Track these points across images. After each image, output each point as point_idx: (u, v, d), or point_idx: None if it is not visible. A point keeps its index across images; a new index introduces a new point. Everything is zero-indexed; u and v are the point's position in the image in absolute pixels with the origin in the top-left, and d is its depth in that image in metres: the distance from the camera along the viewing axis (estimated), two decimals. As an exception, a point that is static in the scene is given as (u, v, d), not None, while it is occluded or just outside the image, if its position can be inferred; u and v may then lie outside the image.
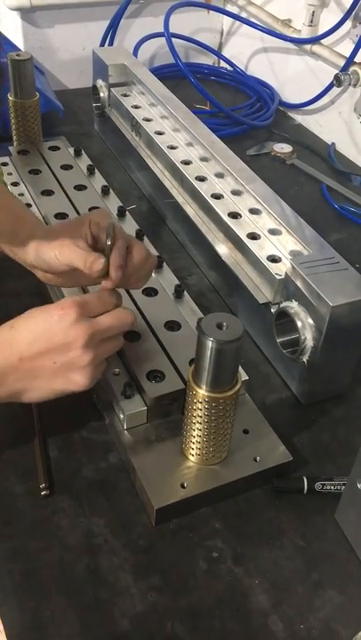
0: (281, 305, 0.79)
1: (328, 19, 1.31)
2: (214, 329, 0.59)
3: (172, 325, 0.80)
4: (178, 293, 0.85)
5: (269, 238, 0.87)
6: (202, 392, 0.62)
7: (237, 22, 1.60)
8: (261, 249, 0.85)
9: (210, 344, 0.59)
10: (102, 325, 0.64)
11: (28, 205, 1.00)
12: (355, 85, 1.25)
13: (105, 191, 1.05)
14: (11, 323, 0.64)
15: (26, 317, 0.64)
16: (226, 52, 1.68)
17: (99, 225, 0.71)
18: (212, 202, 0.94)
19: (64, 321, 0.62)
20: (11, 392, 0.64)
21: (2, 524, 0.65)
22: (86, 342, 0.62)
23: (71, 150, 1.14)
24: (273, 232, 0.88)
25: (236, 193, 0.95)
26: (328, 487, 0.70)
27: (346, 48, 1.29)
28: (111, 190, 1.05)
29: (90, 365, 0.63)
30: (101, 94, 1.24)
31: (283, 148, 1.33)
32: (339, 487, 0.70)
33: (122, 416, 0.71)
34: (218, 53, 1.65)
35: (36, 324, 0.63)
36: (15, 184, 1.05)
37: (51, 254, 0.71)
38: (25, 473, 0.69)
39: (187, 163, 1.03)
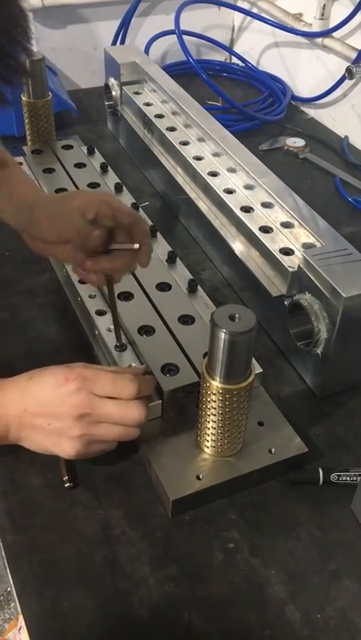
0: (294, 297, 0.79)
1: (339, 11, 1.31)
2: (227, 320, 0.59)
3: (186, 319, 0.80)
4: (191, 288, 0.86)
5: (282, 231, 0.87)
6: (216, 384, 0.63)
7: (248, 18, 1.60)
8: (274, 242, 0.86)
9: (223, 335, 0.59)
10: (101, 410, 0.64)
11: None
12: (367, 78, 1.25)
13: (118, 188, 1.05)
14: (30, 373, 0.66)
15: (42, 374, 0.66)
16: (237, 48, 1.68)
17: (112, 208, 0.69)
18: (224, 196, 0.95)
19: (65, 390, 0.63)
20: (16, 437, 0.67)
21: (20, 517, 0.66)
22: (78, 416, 0.63)
23: (84, 149, 1.15)
24: (285, 225, 0.88)
25: (248, 187, 0.96)
26: (344, 478, 0.70)
27: (357, 40, 1.28)
28: (124, 187, 1.06)
29: (78, 439, 0.64)
30: (113, 93, 1.25)
31: (295, 143, 1.32)
32: (355, 478, 0.70)
33: (137, 409, 0.72)
34: (229, 49, 1.65)
35: (44, 384, 0.65)
36: (29, 183, 1.06)
37: (45, 223, 0.73)
38: (42, 466, 0.70)
39: (199, 158, 1.03)
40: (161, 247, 0.93)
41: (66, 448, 0.65)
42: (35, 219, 0.76)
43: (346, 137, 1.37)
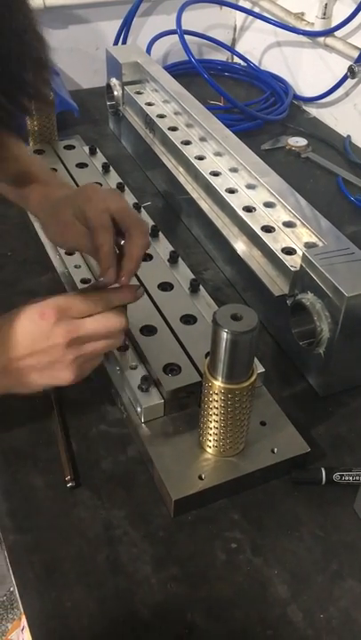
0: (297, 297, 0.79)
1: (341, 11, 1.30)
2: (229, 320, 0.59)
3: (188, 319, 0.80)
4: (193, 288, 0.86)
5: (284, 231, 0.87)
6: (218, 383, 0.63)
7: (250, 17, 1.59)
8: (276, 241, 0.85)
9: (225, 335, 0.59)
10: (86, 329, 0.64)
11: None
12: (369, 77, 1.25)
13: (120, 188, 1.05)
14: (1, 321, 0.65)
15: (12, 319, 0.64)
16: (239, 48, 1.67)
17: (85, 215, 0.68)
18: (226, 196, 0.94)
19: (44, 325, 0.62)
20: (4, 389, 0.66)
21: (22, 517, 0.66)
22: (67, 343, 0.63)
23: (86, 149, 1.15)
24: (288, 224, 0.88)
25: (250, 187, 0.95)
26: (346, 478, 0.70)
27: (360, 39, 1.28)
28: (126, 187, 1.06)
29: (73, 364, 0.64)
30: (115, 93, 1.25)
31: (298, 142, 1.32)
32: (357, 478, 0.69)
33: (139, 409, 0.72)
34: (231, 49, 1.65)
35: (20, 327, 0.63)
36: (31, 183, 1.06)
37: (57, 240, 0.76)
38: (45, 466, 0.70)
39: (201, 158, 1.03)
40: (163, 247, 0.93)
41: (63, 376, 0.64)
42: (48, 232, 0.78)
43: (348, 136, 1.36)
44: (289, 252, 0.84)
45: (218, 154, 1.03)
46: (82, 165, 1.09)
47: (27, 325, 0.63)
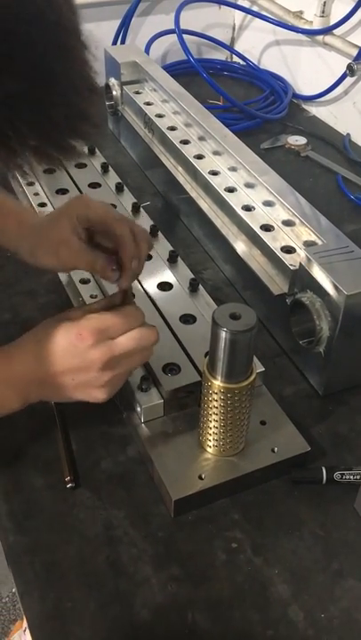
0: (296, 296, 0.78)
1: (339, 9, 1.30)
2: (228, 319, 0.59)
3: (188, 319, 0.80)
4: (193, 287, 0.86)
5: (283, 229, 0.87)
6: (217, 383, 0.63)
7: (249, 16, 1.59)
8: (275, 240, 0.85)
9: (223, 334, 0.59)
10: (121, 348, 0.64)
11: (43, 205, 1.01)
12: (368, 75, 1.24)
13: (119, 188, 1.05)
14: (36, 336, 0.65)
15: (48, 332, 0.64)
16: (238, 47, 1.67)
17: (88, 219, 0.70)
18: (225, 195, 0.94)
19: (81, 346, 0.63)
20: (39, 398, 0.67)
21: (22, 517, 0.66)
22: (103, 366, 0.63)
23: (85, 149, 1.15)
24: (287, 223, 0.87)
25: (249, 186, 0.95)
26: (347, 477, 0.69)
27: (358, 37, 1.28)
28: (125, 187, 1.06)
29: (107, 385, 0.64)
30: (114, 92, 1.25)
31: (297, 141, 1.32)
32: (358, 477, 0.69)
33: (139, 409, 0.71)
34: (230, 48, 1.65)
35: (57, 344, 0.64)
36: (30, 184, 1.06)
37: (49, 262, 0.73)
38: (45, 467, 0.70)
39: (200, 157, 1.03)
40: (162, 246, 0.93)
41: (97, 395, 0.65)
42: (39, 258, 0.75)
43: (348, 134, 1.36)
44: (288, 250, 0.83)
45: (217, 153, 1.03)
46: (81, 166, 1.09)
47: (64, 345, 0.63)
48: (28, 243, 0.75)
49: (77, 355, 0.63)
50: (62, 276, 0.92)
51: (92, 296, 0.83)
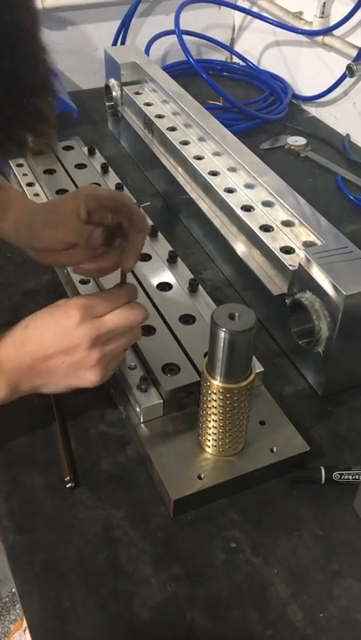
0: (295, 296, 0.79)
1: (339, 9, 1.30)
2: (227, 319, 0.59)
3: (187, 319, 0.80)
4: (192, 287, 0.86)
5: (282, 230, 0.87)
6: (216, 383, 0.63)
7: (249, 17, 1.59)
8: (275, 241, 0.85)
9: (222, 334, 0.59)
10: (108, 325, 0.64)
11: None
12: (368, 75, 1.25)
13: (119, 189, 1.05)
14: (24, 322, 0.66)
15: (36, 318, 0.66)
16: (238, 48, 1.67)
17: (97, 196, 0.70)
18: (225, 196, 0.94)
19: (67, 325, 0.63)
20: (31, 387, 0.67)
21: (22, 517, 0.66)
22: (91, 344, 0.63)
23: (85, 150, 1.15)
24: (286, 224, 0.87)
25: (248, 186, 0.95)
26: (346, 477, 0.70)
27: (358, 38, 1.28)
28: (125, 188, 1.06)
29: (98, 364, 0.64)
30: (114, 93, 1.25)
31: (297, 141, 1.32)
32: (357, 477, 0.69)
33: (138, 409, 0.72)
34: (230, 49, 1.65)
35: (44, 327, 0.64)
36: (30, 184, 1.06)
37: (47, 236, 0.73)
38: (44, 466, 0.70)
39: (199, 158, 1.03)
40: (162, 247, 0.93)
41: (89, 377, 0.65)
42: (35, 232, 0.76)
43: (347, 135, 1.36)
44: (288, 251, 0.84)
45: (216, 154, 1.03)
46: (81, 166, 1.09)
47: (51, 326, 0.64)
48: (32, 224, 0.76)
49: (64, 335, 0.63)
50: (62, 277, 0.92)
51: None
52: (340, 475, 0.70)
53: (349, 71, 1.25)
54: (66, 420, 0.75)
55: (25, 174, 1.09)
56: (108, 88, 1.27)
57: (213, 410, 0.65)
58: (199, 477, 0.67)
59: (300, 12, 1.41)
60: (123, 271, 0.69)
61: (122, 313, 0.65)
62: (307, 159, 1.29)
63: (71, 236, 0.72)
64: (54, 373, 0.65)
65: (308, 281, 0.76)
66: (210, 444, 0.68)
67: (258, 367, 0.75)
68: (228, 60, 1.68)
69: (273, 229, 0.88)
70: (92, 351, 0.63)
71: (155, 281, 0.86)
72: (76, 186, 1.04)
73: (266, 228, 0.88)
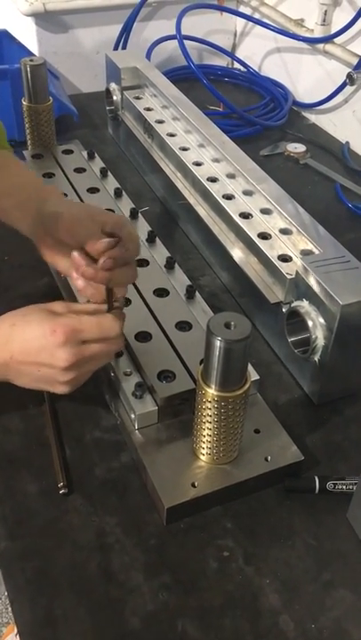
0: (292, 304, 0.79)
1: (340, 17, 1.31)
2: (222, 328, 0.59)
3: (184, 326, 0.80)
4: (189, 294, 0.86)
5: (280, 238, 0.87)
6: (211, 391, 0.63)
7: (250, 23, 1.60)
8: (272, 248, 0.85)
9: (218, 343, 0.59)
10: (89, 352, 0.66)
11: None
12: (368, 84, 1.25)
13: (118, 193, 1.05)
14: (12, 319, 0.67)
15: (25, 320, 0.66)
16: (239, 54, 1.68)
17: (104, 221, 0.70)
18: (223, 202, 0.94)
19: (52, 342, 0.64)
20: (2, 378, 0.69)
21: (14, 523, 0.66)
22: (68, 367, 0.65)
23: (85, 154, 1.15)
24: (284, 232, 0.87)
25: (247, 193, 0.95)
26: (340, 487, 0.69)
27: (359, 46, 1.28)
28: (124, 192, 1.06)
29: (71, 382, 0.67)
30: (114, 97, 1.25)
31: (296, 148, 1.32)
32: (351, 487, 0.69)
33: (133, 416, 0.71)
34: (231, 54, 1.66)
35: (30, 335, 0.65)
36: (29, 187, 1.06)
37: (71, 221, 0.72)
38: (37, 472, 0.70)
39: (198, 164, 1.03)
40: (159, 252, 0.93)
41: (59, 389, 0.67)
42: (54, 215, 0.73)
43: (347, 142, 1.36)
44: (285, 259, 0.84)
45: (215, 160, 1.03)
46: (80, 170, 1.09)
47: (36, 335, 0.65)
48: (53, 212, 0.74)
49: (46, 349, 0.64)
50: (58, 281, 0.92)
51: (88, 301, 0.83)
52: (334, 485, 0.70)
53: (350, 79, 1.25)
54: (60, 425, 0.75)
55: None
56: (108, 92, 1.27)
57: (208, 418, 0.65)
58: (193, 485, 0.67)
59: (302, 20, 1.42)
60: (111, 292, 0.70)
61: (105, 343, 0.67)
62: (306, 166, 1.29)
63: (87, 236, 0.70)
64: (28, 376, 0.67)
65: (305, 289, 0.76)
66: (204, 451, 0.68)
67: (253, 375, 0.75)
68: (229, 66, 1.69)
69: (271, 237, 0.88)
70: (69, 372, 0.65)
71: (152, 287, 0.86)
72: (75, 190, 1.04)
73: (264, 236, 0.88)
